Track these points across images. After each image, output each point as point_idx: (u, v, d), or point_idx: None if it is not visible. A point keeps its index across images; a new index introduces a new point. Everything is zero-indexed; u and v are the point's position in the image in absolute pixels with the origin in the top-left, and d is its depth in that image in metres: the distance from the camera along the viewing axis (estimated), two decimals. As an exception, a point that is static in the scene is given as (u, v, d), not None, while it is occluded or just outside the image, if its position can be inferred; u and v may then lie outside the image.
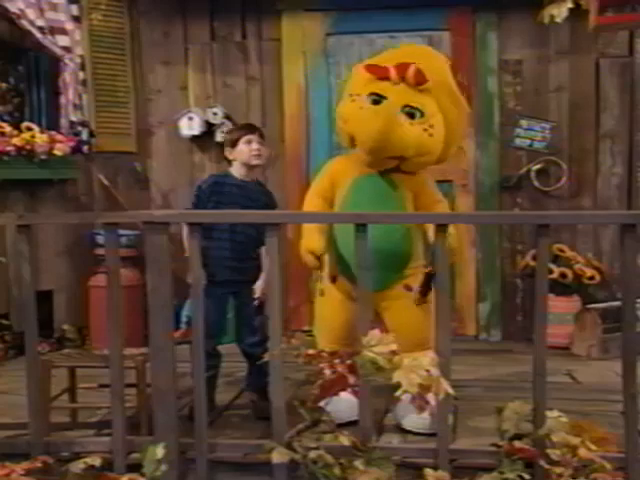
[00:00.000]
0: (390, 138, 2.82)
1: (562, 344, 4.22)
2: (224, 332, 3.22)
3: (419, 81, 2.91)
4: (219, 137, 4.62)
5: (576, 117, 4.55)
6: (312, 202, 3.10)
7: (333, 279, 3.09)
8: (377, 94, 2.93)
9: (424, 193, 3.03)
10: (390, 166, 2.97)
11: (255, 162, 3.20)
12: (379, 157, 2.92)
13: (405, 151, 2.89)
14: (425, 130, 2.91)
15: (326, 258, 3.09)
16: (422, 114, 2.91)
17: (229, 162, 3.28)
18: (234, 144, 3.20)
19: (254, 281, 3.15)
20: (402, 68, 2.91)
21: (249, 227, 3.10)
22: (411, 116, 2.91)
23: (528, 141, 4.59)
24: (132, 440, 2.59)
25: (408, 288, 3.02)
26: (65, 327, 4.44)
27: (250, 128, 3.29)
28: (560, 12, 3.02)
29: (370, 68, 3.00)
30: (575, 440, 2.29)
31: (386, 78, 2.94)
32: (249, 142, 3.18)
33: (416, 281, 3.00)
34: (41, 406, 2.66)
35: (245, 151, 3.18)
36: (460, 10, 4.56)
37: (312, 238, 2.94)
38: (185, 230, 2.93)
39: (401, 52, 3.12)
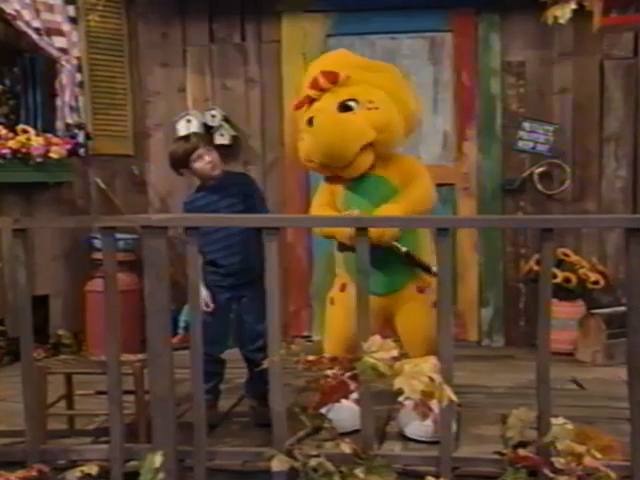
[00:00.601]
0: (346, 136, 2.87)
1: (566, 350, 4.21)
2: (227, 338, 3.22)
3: (333, 80, 3.00)
4: (218, 140, 4.61)
5: (580, 119, 4.55)
6: (321, 211, 3.09)
7: (342, 287, 3.09)
8: (310, 118, 2.98)
9: (405, 174, 3.03)
10: (370, 161, 2.98)
11: (214, 173, 3.17)
12: (351, 156, 2.91)
13: (367, 136, 2.92)
14: (369, 109, 2.96)
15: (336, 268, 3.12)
16: (357, 101, 2.97)
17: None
18: (186, 164, 3.15)
19: (257, 280, 3.13)
20: (313, 82, 3.03)
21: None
22: (349, 109, 2.96)
23: (531, 144, 4.59)
24: (130, 448, 2.59)
25: (420, 290, 3.03)
26: (61, 332, 4.44)
27: (192, 143, 3.17)
28: (564, 13, 3.01)
29: (296, 105, 3.11)
30: (580, 448, 2.28)
31: (311, 101, 3.03)
32: (200, 157, 3.14)
33: (429, 283, 3.00)
34: (37, 413, 2.66)
35: (200, 167, 3.14)
36: (462, 11, 4.57)
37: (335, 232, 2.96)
38: None
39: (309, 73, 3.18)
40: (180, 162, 3.17)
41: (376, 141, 2.95)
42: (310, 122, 2.97)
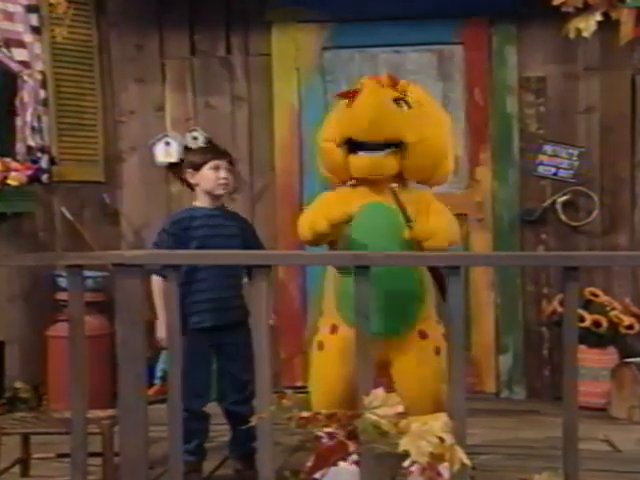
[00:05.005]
0: (383, 113, 3.03)
1: (598, 404, 4.21)
2: (209, 390, 3.21)
3: (394, 82, 3.13)
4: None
5: (608, 142, 4.60)
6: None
7: (333, 329, 3.08)
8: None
9: (421, 206, 3.09)
10: (396, 169, 3.06)
11: (220, 192, 3.23)
12: (378, 134, 3.02)
13: (404, 131, 3.03)
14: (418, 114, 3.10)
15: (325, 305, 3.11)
16: (408, 105, 3.11)
17: (189, 186, 3.32)
18: (198, 167, 3.23)
19: (242, 324, 3.13)
20: (373, 76, 3.21)
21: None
22: (399, 106, 3.09)
23: (553, 169, 4.62)
24: (95, 520, 2.56)
25: (423, 335, 3.03)
26: (18, 385, 4.40)
27: (219, 153, 3.32)
28: (588, 26, 3.03)
29: (342, 94, 3.23)
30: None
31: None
32: (216, 168, 3.21)
33: (433, 328, 3.00)
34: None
35: (211, 178, 3.20)
36: (475, 21, 4.64)
37: (317, 221, 3.03)
38: (156, 284, 2.96)
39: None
40: (195, 163, 3.24)
41: (411, 147, 3.05)
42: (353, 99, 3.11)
